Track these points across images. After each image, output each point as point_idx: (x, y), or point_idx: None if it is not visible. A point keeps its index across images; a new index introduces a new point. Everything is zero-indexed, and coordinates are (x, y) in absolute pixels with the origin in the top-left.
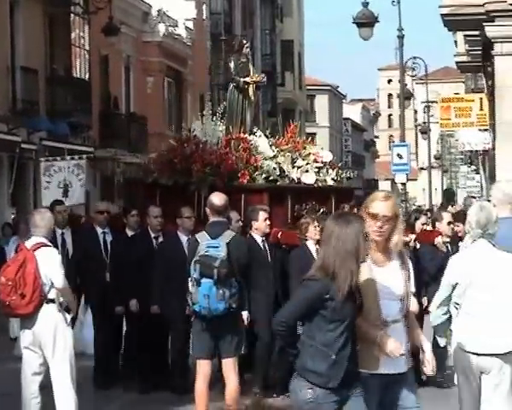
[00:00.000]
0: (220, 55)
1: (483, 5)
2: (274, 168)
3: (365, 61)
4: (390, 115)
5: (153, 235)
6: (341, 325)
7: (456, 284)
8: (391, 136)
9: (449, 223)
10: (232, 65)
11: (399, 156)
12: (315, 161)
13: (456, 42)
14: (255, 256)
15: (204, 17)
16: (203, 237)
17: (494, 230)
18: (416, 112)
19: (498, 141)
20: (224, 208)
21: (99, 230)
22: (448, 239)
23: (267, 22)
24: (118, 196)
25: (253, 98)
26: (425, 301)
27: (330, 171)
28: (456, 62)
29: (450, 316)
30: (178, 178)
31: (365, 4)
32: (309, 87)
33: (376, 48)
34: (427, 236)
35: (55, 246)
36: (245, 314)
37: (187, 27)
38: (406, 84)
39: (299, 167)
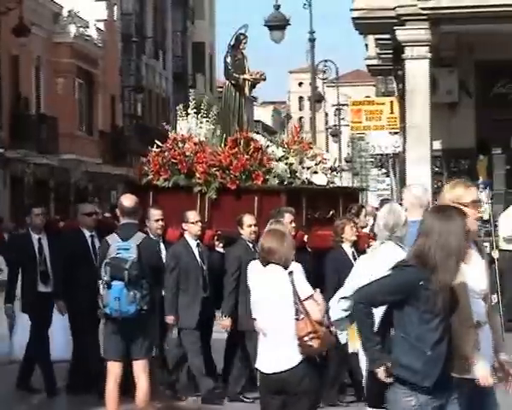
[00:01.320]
0: (131, 56)
1: (394, 9)
2: (285, 169)
3: (277, 64)
4: (301, 118)
5: (154, 239)
6: (435, 319)
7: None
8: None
9: None
10: (229, 61)
11: None
12: (321, 162)
13: (367, 45)
14: None
15: (115, 18)
16: (114, 239)
17: (402, 233)
18: (326, 115)
19: (408, 144)
20: (135, 210)
21: (87, 233)
22: None
23: (178, 24)
24: (27, 197)
25: (248, 96)
26: None
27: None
28: (367, 66)
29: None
30: (178, 180)
31: (277, 7)
32: (220, 89)
33: (288, 50)
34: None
35: (32, 252)
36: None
37: (98, 28)
38: (317, 87)
39: (308, 168)
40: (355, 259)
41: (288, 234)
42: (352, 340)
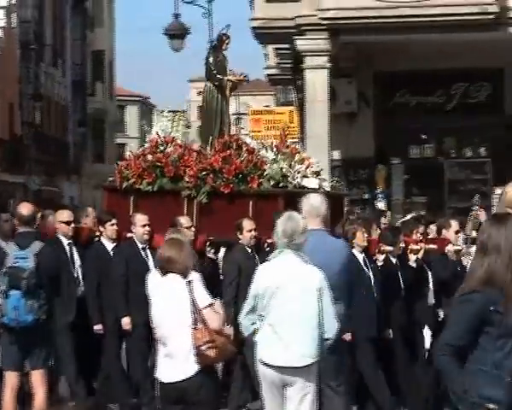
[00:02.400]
0: (30, 63)
1: (293, 19)
2: (278, 173)
3: (176, 72)
4: (200, 127)
5: (140, 246)
6: (509, 342)
7: (259, 295)
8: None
9: (457, 231)
10: (212, 62)
11: None
12: (309, 166)
13: (266, 55)
14: None
15: (13, 25)
16: (11, 248)
17: (300, 240)
18: None
19: (308, 153)
20: (32, 219)
21: (64, 241)
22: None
23: (78, 32)
24: None
25: (228, 97)
26: (441, 313)
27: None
28: (267, 75)
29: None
30: (163, 184)
31: (176, 16)
32: (119, 97)
33: (188, 59)
34: (437, 244)
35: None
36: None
37: None
38: None
39: (298, 172)
40: (366, 265)
41: (187, 243)
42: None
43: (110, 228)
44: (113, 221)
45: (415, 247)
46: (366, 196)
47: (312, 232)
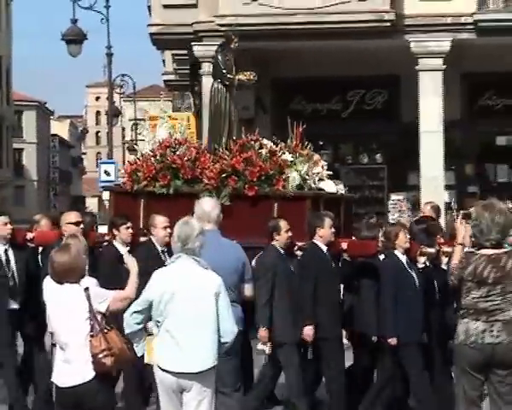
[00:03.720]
0: None
1: (191, 25)
2: (299, 175)
3: (74, 78)
4: (98, 132)
5: (160, 248)
6: None
7: (154, 300)
8: (98, 153)
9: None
10: (221, 60)
11: (107, 173)
12: (323, 168)
13: (164, 61)
14: (321, 267)
15: None
16: None
17: (194, 245)
18: (123, 129)
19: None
20: None
21: None
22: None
23: None
24: None
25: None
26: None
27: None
28: (165, 81)
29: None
30: (178, 186)
31: (74, 21)
32: (17, 103)
33: (85, 64)
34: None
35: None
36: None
37: None
38: (114, 102)
39: (316, 174)
40: (409, 267)
41: (81, 249)
42: (148, 353)
43: (125, 232)
44: (129, 224)
45: (447, 249)
46: None
47: (205, 233)
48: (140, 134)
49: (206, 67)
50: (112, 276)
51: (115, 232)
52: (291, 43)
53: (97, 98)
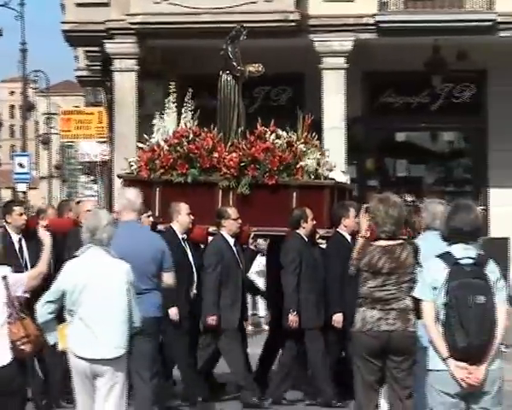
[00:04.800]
0: None
1: (103, 23)
2: (314, 165)
3: None
4: (12, 126)
5: (180, 236)
6: None
7: (67, 291)
8: (13, 145)
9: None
10: (231, 52)
11: (21, 166)
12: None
13: (77, 57)
14: (347, 256)
15: None
16: None
17: (103, 235)
18: (37, 123)
19: (116, 152)
20: None
21: None
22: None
23: None
24: None
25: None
26: None
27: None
28: (77, 77)
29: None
30: (195, 175)
31: None
32: None
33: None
34: None
35: (14, 254)
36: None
37: None
38: (28, 96)
39: (325, 165)
40: None
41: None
42: (60, 340)
43: (147, 219)
44: (150, 213)
45: None
46: None
47: (126, 224)
48: (53, 128)
49: (118, 64)
50: None
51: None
52: (200, 42)
53: (12, 93)
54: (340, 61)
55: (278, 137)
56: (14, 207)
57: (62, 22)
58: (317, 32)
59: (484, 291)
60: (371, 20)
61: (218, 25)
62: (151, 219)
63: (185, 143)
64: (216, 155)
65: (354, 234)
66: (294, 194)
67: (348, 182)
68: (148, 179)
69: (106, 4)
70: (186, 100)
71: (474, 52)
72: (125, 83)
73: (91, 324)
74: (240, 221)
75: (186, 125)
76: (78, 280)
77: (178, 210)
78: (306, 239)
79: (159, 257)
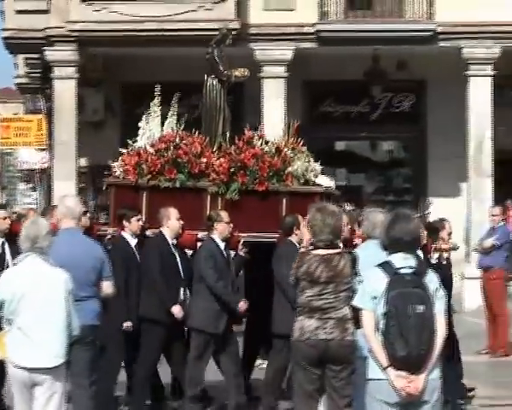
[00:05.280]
0: None
1: (43, 30)
2: (303, 171)
3: None
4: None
5: (170, 241)
6: None
7: (5, 300)
8: None
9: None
10: (217, 56)
11: None
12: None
13: (16, 64)
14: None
15: None
16: None
17: (43, 244)
18: None
19: (55, 160)
20: None
21: None
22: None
23: None
24: None
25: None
26: None
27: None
28: (17, 84)
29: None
30: (183, 180)
31: None
32: None
33: None
34: None
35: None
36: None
37: None
38: None
39: (312, 170)
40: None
41: None
42: (0, 348)
43: (136, 223)
44: (139, 216)
45: (445, 246)
46: None
47: (65, 232)
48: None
49: (57, 71)
50: (125, 268)
51: (125, 224)
52: (140, 49)
53: None
54: (281, 69)
55: (266, 142)
56: None
57: (2, 29)
58: (257, 40)
59: (423, 301)
60: (311, 30)
61: (159, 33)
62: (140, 223)
63: (172, 149)
64: (204, 160)
65: (345, 242)
66: (284, 200)
67: (334, 187)
68: (135, 184)
69: (46, 11)
70: (171, 104)
71: (413, 62)
72: (65, 90)
73: (30, 333)
74: (232, 225)
75: (172, 130)
76: (17, 289)
77: (168, 215)
78: (298, 245)
79: (98, 266)
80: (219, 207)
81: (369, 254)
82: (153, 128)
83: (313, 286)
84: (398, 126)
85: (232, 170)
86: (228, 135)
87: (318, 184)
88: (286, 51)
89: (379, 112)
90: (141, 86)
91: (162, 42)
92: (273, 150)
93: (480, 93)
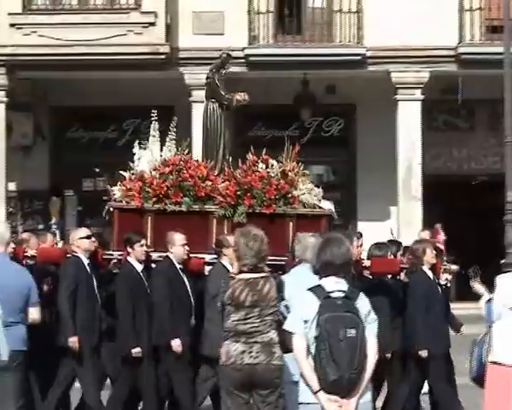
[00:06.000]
0: None
1: None
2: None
3: None
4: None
5: (178, 266)
6: None
7: None
8: None
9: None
10: (217, 81)
11: None
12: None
13: None
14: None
15: None
16: None
17: None
18: None
19: None
20: None
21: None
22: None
23: None
24: None
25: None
26: None
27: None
28: None
29: None
30: (190, 204)
31: None
32: None
33: None
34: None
35: None
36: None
37: None
38: None
39: (315, 195)
40: (436, 283)
41: None
42: None
43: (140, 249)
44: (143, 242)
45: (454, 267)
46: (40, 227)
47: None
48: None
49: None
50: (130, 293)
51: (129, 250)
52: (70, 73)
53: None
54: None
55: (268, 166)
56: None
57: None
58: (186, 64)
59: (355, 325)
60: (241, 54)
61: (89, 57)
62: (144, 248)
63: (176, 172)
64: (209, 183)
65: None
66: (291, 223)
67: (333, 211)
68: (140, 208)
69: None
70: (170, 128)
71: (342, 86)
72: None
73: None
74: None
75: (176, 154)
76: None
77: (173, 241)
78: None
79: (26, 292)
80: (226, 231)
81: (301, 277)
82: (154, 153)
83: (238, 310)
84: (328, 150)
85: (238, 193)
86: (229, 158)
87: (321, 208)
88: None
89: (308, 136)
90: (70, 110)
91: (92, 66)
92: (278, 174)
93: (409, 117)
